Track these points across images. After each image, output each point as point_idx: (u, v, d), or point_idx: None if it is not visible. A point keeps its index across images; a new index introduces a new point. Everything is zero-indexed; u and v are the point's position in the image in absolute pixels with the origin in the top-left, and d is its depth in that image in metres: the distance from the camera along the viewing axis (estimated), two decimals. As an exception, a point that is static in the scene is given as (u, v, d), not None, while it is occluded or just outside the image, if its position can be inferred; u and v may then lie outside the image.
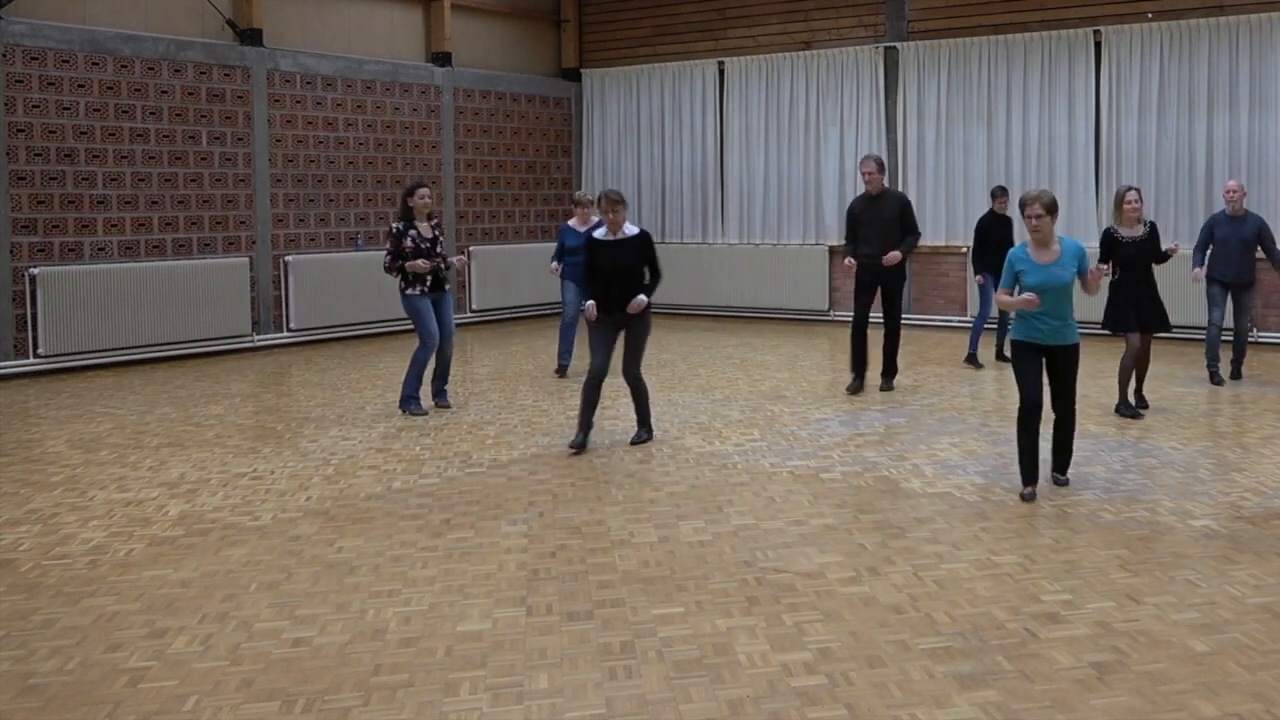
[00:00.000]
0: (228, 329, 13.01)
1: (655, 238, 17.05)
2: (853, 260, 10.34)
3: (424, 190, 9.31)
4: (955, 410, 9.41)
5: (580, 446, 7.99)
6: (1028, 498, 6.63)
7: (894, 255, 10.03)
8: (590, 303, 8.01)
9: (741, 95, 16.37)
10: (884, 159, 11.65)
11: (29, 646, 4.67)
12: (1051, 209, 6.67)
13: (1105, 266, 7.02)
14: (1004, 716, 3.96)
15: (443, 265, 9.37)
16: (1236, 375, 10.66)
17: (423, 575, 5.48)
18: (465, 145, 16.04)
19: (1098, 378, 10.80)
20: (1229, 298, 10.38)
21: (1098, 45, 13.90)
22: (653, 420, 8.50)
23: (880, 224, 10.22)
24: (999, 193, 11.74)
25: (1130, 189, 9.07)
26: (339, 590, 5.28)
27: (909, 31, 15.12)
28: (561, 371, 11.27)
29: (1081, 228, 14.03)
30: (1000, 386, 10.47)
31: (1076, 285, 6.70)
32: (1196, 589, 5.19)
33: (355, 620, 4.91)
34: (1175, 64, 13.45)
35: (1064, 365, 6.72)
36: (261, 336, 13.54)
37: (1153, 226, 9.11)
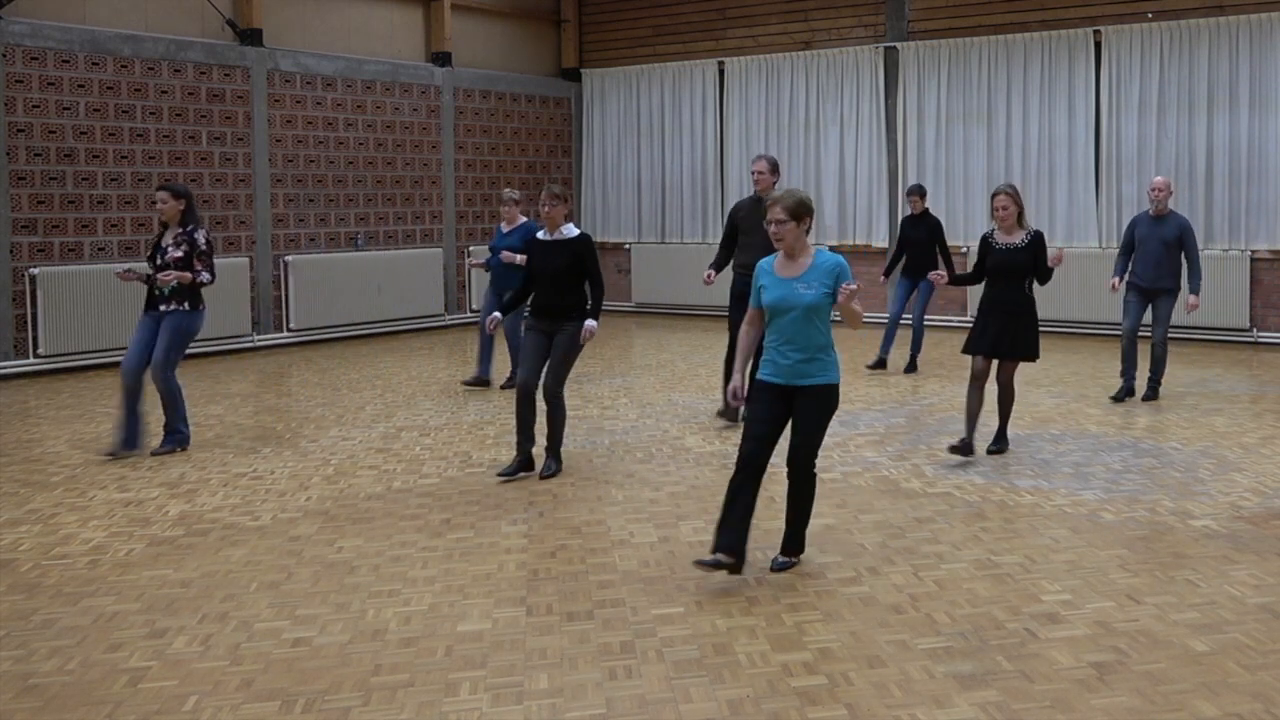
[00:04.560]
0: (228, 329, 13.00)
1: (655, 238, 17.35)
2: (714, 274, 9.12)
3: (158, 194, 8.15)
4: (955, 410, 9.40)
5: (513, 473, 7.23)
6: (707, 564, 5.18)
7: None
8: (494, 314, 7.61)
9: (741, 95, 16.37)
10: (778, 160, 10.21)
11: (29, 646, 4.67)
12: (798, 212, 5.36)
13: (851, 285, 5.22)
14: (1004, 716, 3.96)
15: (150, 280, 8.11)
16: (1152, 395, 9.65)
17: (423, 575, 5.48)
18: (465, 145, 16.04)
19: (1098, 378, 10.81)
20: (1148, 306, 9.60)
21: (1098, 45, 13.90)
22: (563, 450, 7.53)
23: (762, 230, 8.82)
24: (911, 192, 11.50)
25: (1000, 191, 7.70)
26: (339, 590, 5.28)
27: (909, 31, 15.12)
28: (476, 380, 10.62)
29: (1081, 228, 14.04)
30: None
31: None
32: (1196, 589, 5.19)
33: (355, 620, 4.91)
34: (1175, 64, 13.45)
35: (805, 412, 5.31)
36: (261, 336, 13.54)
37: (1035, 236, 7.64)
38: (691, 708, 4.05)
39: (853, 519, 6.34)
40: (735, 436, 8.46)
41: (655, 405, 9.71)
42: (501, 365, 10.87)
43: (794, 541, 5.52)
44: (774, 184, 9.24)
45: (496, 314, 7.64)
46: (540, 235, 7.50)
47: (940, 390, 10.33)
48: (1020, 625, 4.77)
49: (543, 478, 7.26)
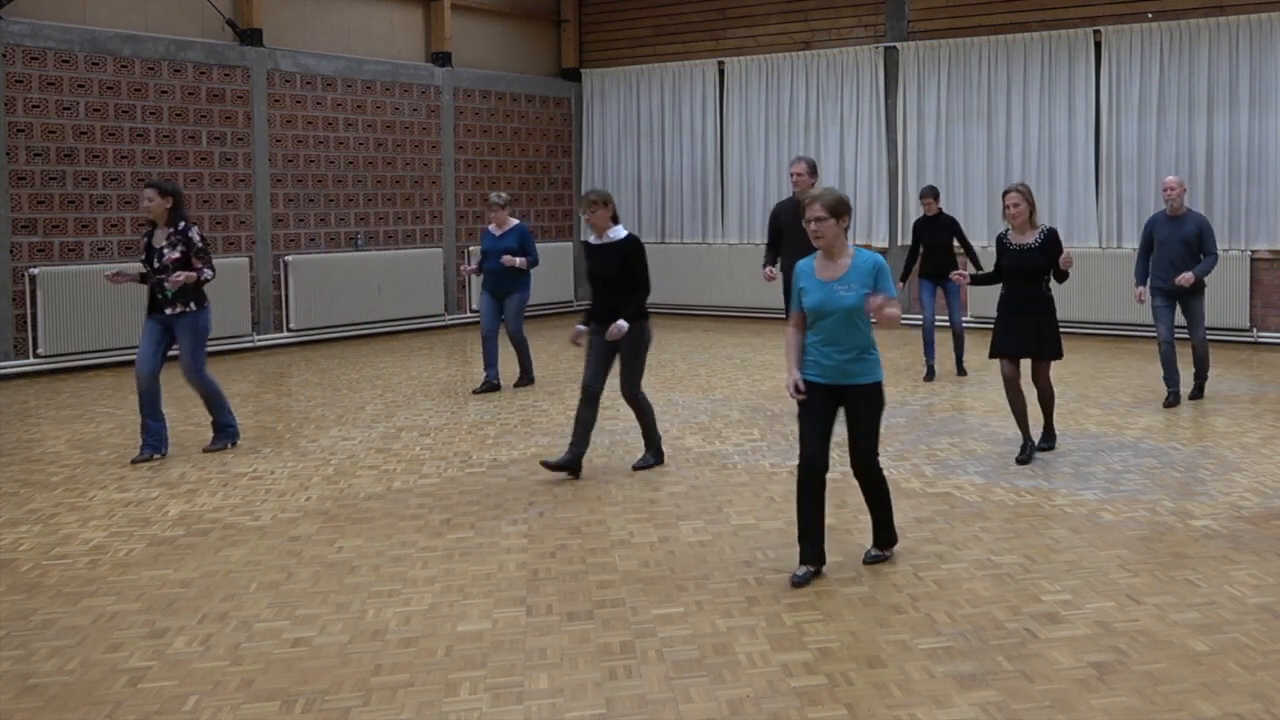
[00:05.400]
0: (228, 329, 13.00)
1: (655, 238, 17.33)
2: (774, 271, 9.29)
3: (145, 192, 7.90)
4: (955, 410, 9.41)
5: (564, 465, 7.23)
6: (799, 580, 5.26)
7: None
8: (579, 327, 7.41)
9: (741, 95, 16.37)
10: (816, 162, 10.23)
11: (29, 646, 4.67)
12: (837, 210, 5.27)
13: (879, 298, 5.22)
14: (1004, 716, 3.96)
15: (149, 281, 7.91)
16: (1198, 394, 9.62)
17: (423, 575, 5.48)
18: (465, 145, 16.04)
19: (1098, 378, 10.81)
20: (1176, 309, 9.36)
21: (1098, 45, 13.90)
22: (661, 443, 7.71)
23: (803, 232, 8.99)
24: (924, 194, 11.18)
25: (1011, 190, 7.66)
26: (339, 590, 5.28)
27: (909, 31, 15.12)
28: (487, 386, 10.54)
29: (1081, 229, 14.03)
30: (1000, 387, 10.44)
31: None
32: (1196, 589, 5.19)
33: (355, 620, 4.91)
34: (1175, 64, 13.45)
35: (857, 411, 5.34)
36: (261, 336, 13.55)
37: (1049, 234, 7.63)
38: (691, 708, 4.05)
39: (853, 519, 6.33)
40: (736, 436, 8.47)
41: (655, 405, 9.68)
42: (505, 369, 10.86)
43: (883, 534, 5.60)
44: (813, 185, 9.24)
45: (581, 326, 7.41)
46: (591, 240, 7.45)
47: (940, 390, 10.33)
48: (1020, 625, 4.77)
49: (635, 469, 7.48)
